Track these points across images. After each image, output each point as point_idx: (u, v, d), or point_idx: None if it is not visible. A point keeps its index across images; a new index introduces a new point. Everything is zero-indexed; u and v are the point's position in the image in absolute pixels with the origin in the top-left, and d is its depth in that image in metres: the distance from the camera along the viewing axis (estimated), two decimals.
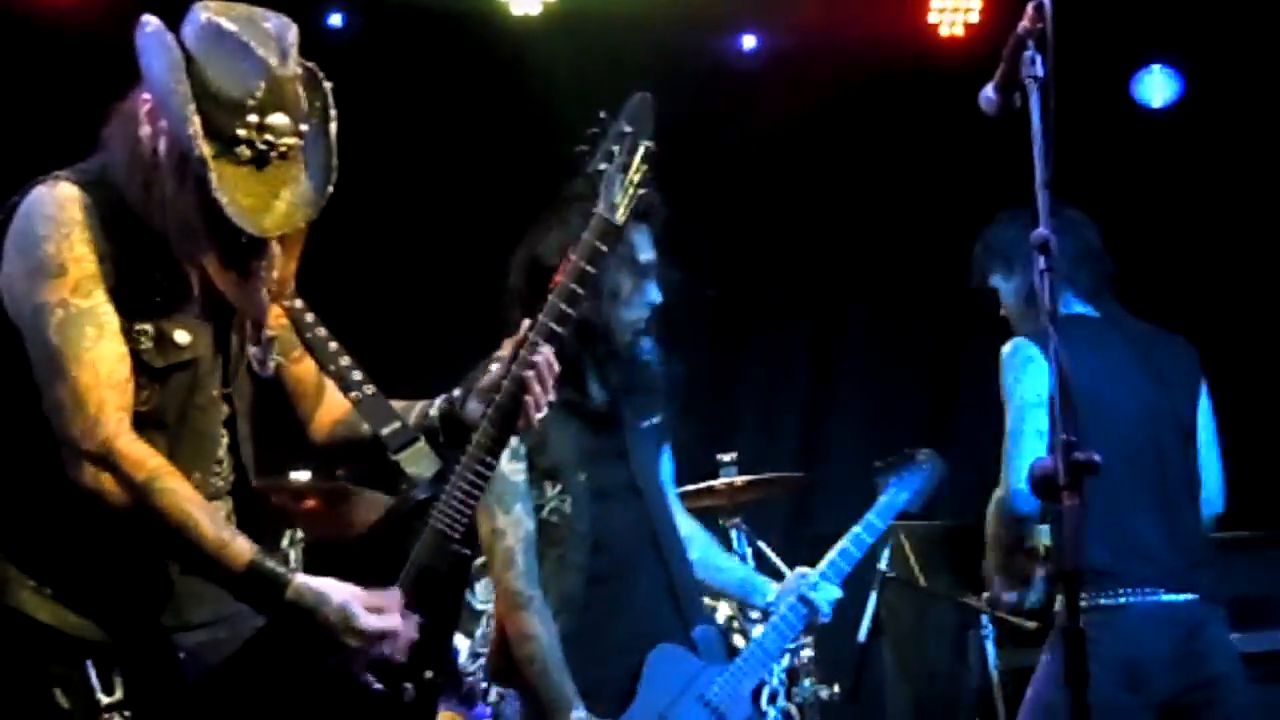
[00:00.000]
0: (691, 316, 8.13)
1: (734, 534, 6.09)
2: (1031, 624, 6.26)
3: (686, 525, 4.47)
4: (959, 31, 8.38)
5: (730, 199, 8.30)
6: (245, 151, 2.95)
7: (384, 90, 7.35)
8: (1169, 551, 4.38)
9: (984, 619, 6.64)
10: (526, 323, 3.34)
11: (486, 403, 3.31)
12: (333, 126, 3.10)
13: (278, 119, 2.97)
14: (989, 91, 3.17)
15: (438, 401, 3.41)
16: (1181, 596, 4.34)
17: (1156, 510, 4.41)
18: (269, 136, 2.97)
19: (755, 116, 8.23)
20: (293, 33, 3.04)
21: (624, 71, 7.45)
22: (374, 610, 3.04)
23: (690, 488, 6.07)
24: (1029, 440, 4.37)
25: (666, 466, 4.46)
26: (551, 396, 3.30)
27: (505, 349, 3.36)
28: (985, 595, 5.55)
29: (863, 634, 6.45)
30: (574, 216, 3.96)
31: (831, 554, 4.89)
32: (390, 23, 7.74)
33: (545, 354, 3.29)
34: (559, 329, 3.33)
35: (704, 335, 8.26)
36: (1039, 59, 2.99)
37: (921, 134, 8.38)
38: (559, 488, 4.07)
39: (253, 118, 2.95)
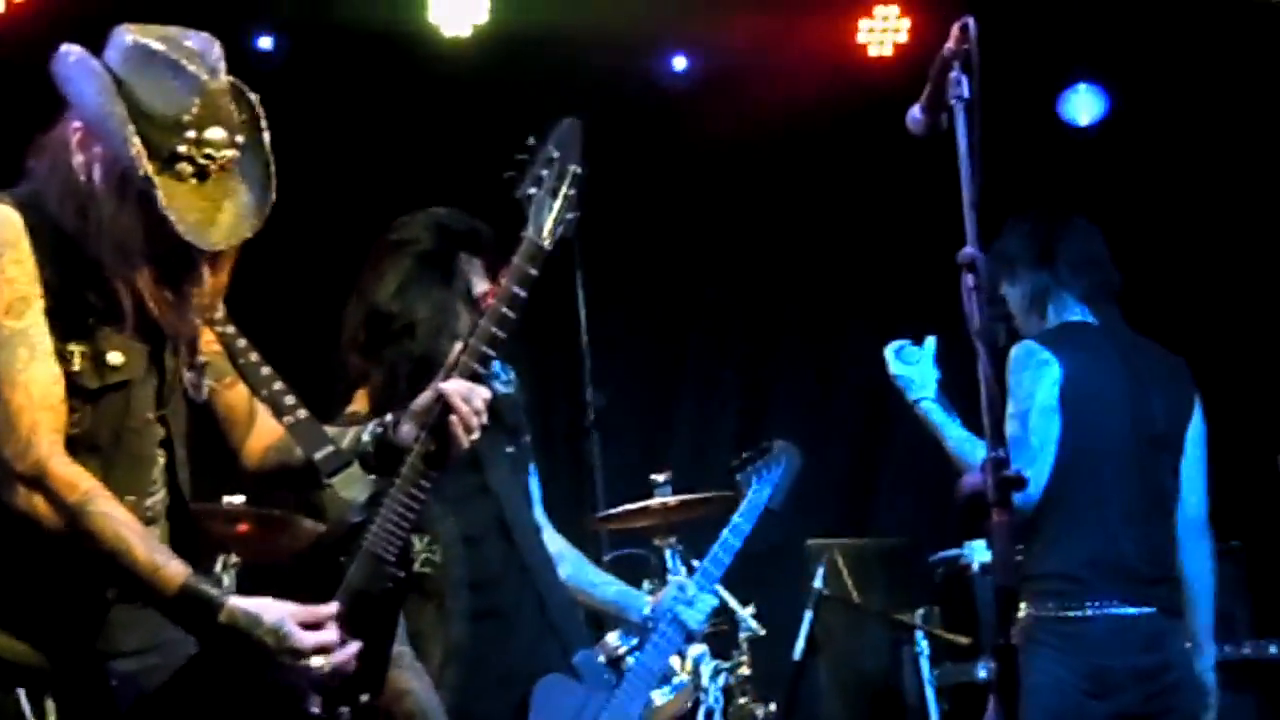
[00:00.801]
0: (626, 336, 8.21)
1: (668, 553, 6.08)
2: (965, 639, 6.33)
3: (556, 543, 4.50)
4: (888, 52, 8.47)
5: (661, 219, 8.33)
6: (186, 168, 2.96)
7: (315, 113, 7.33)
8: (1137, 564, 4.45)
9: (918, 635, 6.69)
10: (458, 345, 3.35)
11: (420, 426, 3.30)
12: (265, 136, 3.10)
13: (215, 133, 2.97)
14: (916, 112, 3.20)
15: (370, 426, 3.40)
16: (1141, 610, 4.41)
17: (1131, 521, 4.48)
18: (209, 150, 2.97)
19: (686, 137, 8.27)
20: (217, 47, 3.05)
21: (556, 92, 7.49)
22: (309, 626, 3.03)
23: (624, 508, 6.09)
24: (1050, 446, 4.41)
25: (533, 488, 4.47)
26: (483, 419, 3.30)
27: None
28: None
29: (798, 652, 6.50)
30: (406, 259, 4.05)
31: (703, 562, 5.03)
32: (320, 45, 7.73)
33: (463, 382, 3.29)
34: (490, 352, 3.34)
35: (638, 356, 8.28)
36: (965, 80, 3.02)
37: (851, 154, 8.44)
38: (427, 539, 4.07)
39: (191, 133, 2.95)
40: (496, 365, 4.15)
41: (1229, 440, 6.78)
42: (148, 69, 2.96)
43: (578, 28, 7.78)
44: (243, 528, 5.37)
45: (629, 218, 7.92)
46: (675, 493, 6.13)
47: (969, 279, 2.89)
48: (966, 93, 3.01)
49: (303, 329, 7.01)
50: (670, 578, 5.98)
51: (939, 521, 7.66)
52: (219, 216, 2.99)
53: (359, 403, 4.08)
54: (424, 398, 3.33)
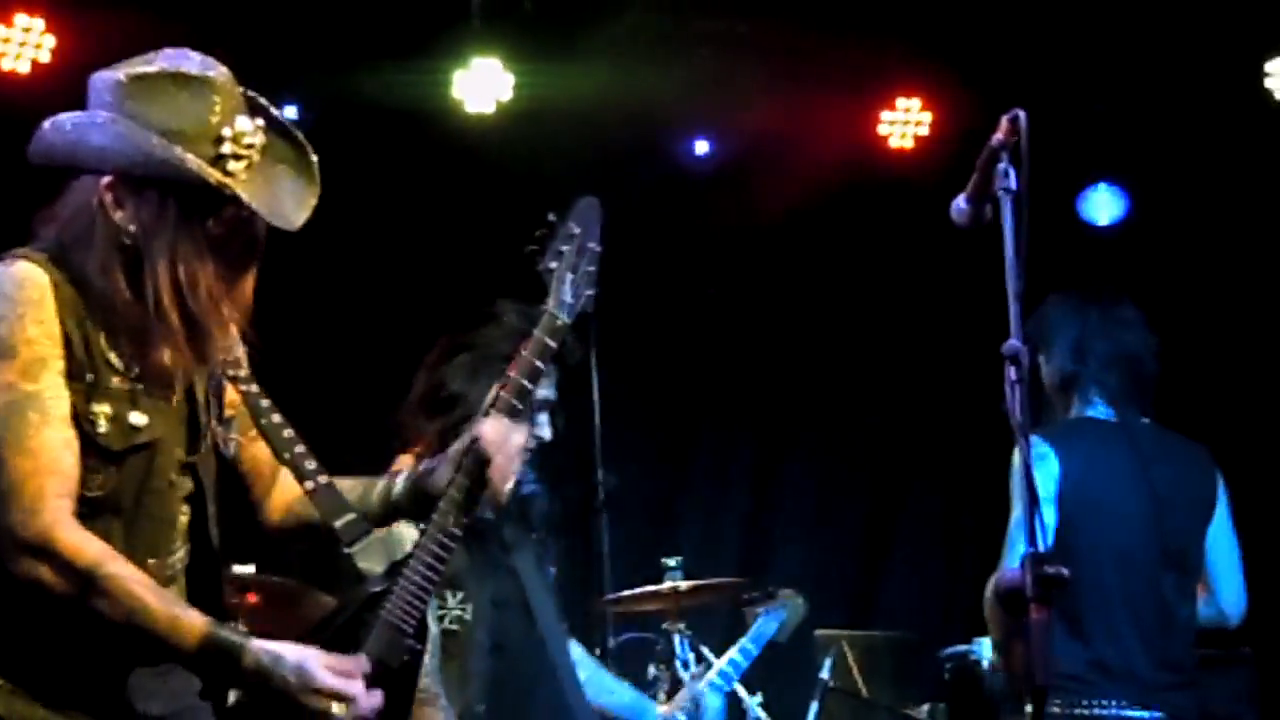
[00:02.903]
0: (641, 422, 8.18)
1: (676, 639, 6.03)
2: None
3: (573, 649, 4.53)
4: (908, 144, 8.50)
5: (678, 301, 8.33)
6: (235, 165, 2.95)
7: (337, 184, 7.31)
8: (1145, 668, 4.34)
9: None
10: (490, 397, 3.36)
11: (455, 469, 3.27)
12: (274, 111, 3.08)
13: (243, 122, 2.97)
14: (960, 203, 3.18)
15: (404, 474, 3.35)
16: (1151, 714, 4.31)
17: (1138, 624, 4.37)
18: (246, 139, 2.96)
19: (706, 221, 8.29)
20: (190, 52, 3.03)
21: (578, 171, 7.51)
22: (333, 671, 2.98)
23: (635, 590, 6.04)
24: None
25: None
26: (519, 466, 3.29)
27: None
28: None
29: None
30: (480, 355, 4.12)
31: (711, 674, 5.35)
32: (344, 117, 7.73)
33: (496, 424, 3.27)
34: (510, 423, 3.32)
35: (650, 439, 8.25)
36: (1013, 172, 3.01)
37: (869, 244, 8.45)
38: (460, 595, 4.08)
39: (226, 131, 2.94)
40: (529, 473, 4.20)
41: (1242, 543, 6.77)
42: (153, 93, 2.93)
43: (602, 108, 7.81)
44: (251, 598, 5.30)
45: (645, 298, 7.91)
46: (685, 578, 6.08)
47: (1011, 372, 2.86)
48: (1015, 184, 2.99)
49: (321, 393, 7.05)
50: (678, 663, 5.94)
51: (947, 616, 7.61)
52: (282, 196, 3.01)
53: (402, 465, 4.07)
54: (458, 445, 3.30)
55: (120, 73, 2.96)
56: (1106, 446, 4.47)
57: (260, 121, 3.02)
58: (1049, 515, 4.31)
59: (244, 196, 2.91)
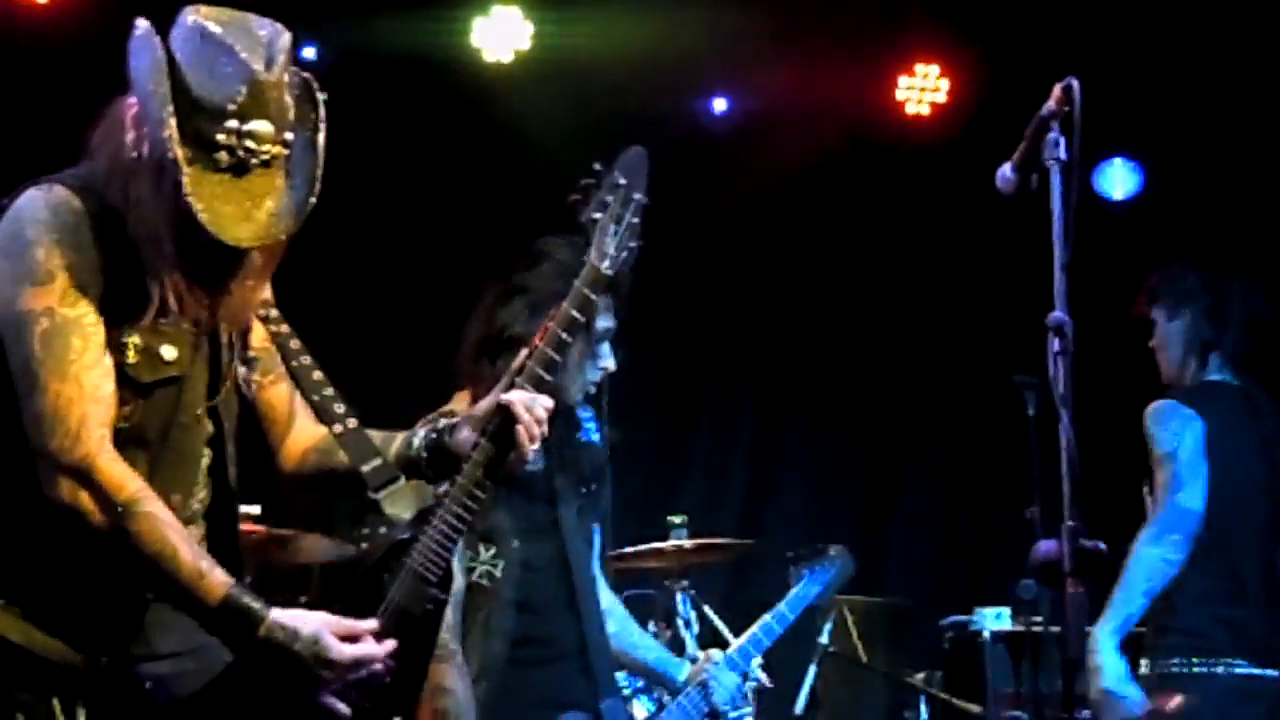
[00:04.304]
0: (647, 378, 8.16)
1: (679, 596, 6.02)
2: (975, 707, 6.27)
3: (606, 599, 4.47)
4: (925, 111, 8.48)
5: (687, 259, 8.29)
6: (224, 158, 2.85)
7: (353, 129, 7.27)
8: (1265, 627, 4.46)
9: (921, 700, 6.63)
10: (523, 353, 3.30)
11: (480, 432, 3.24)
12: (321, 137, 2.97)
13: (260, 125, 2.85)
14: (1006, 171, 3.16)
15: (421, 432, 3.31)
16: (1268, 671, 4.40)
17: (1260, 585, 4.50)
18: (250, 143, 2.86)
19: (720, 179, 8.26)
20: (284, 39, 2.93)
21: (595, 121, 7.48)
22: (347, 638, 2.96)
23: (640, 548, 6.03)
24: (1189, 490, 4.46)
25: (596, 539, 4.44)
26: (544, 430, 3.24)
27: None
28: None
29: (799, 707, 6.42)
30: (537, 291, 3.98)
31: (742, 639, 5.08)
32: (363, 61, 7.69)
33: (528, 390, 3.24)
34: (548, 376, 3.28)
35: (655, 397, 8.22)
36: (1063, 141, 2.98)
37: (881, 208, 8.43)
38: (493, 551, 4.05)
39: (233, 123, 2.84)
40: (587, 417, 4.13)
41: None
42: (201, 51, 2.86)
43: (620, 61, 7.77)
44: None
45: (655, 255, 7.87)
46: (689, 536, 6.07)
47: (1055, 343, 2.84)
48: (1065, 154, 2.97)
49: (339, 340, 7.02)
50: (678, 621, 5.94)
51: (947, 584, 7.62)
52: (255, 213, 2.88)
53: (459, 403, 4.02)
54: (484, 405, 3.27)
55: (197, 18, 2.90)
56: (1235, 412, 4.64)
57: (290, 136, 2.90)
58: (1203, 467, 4.48)
59: (185, 183, 2.80)
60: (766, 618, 5.15)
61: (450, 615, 3.88)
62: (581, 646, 4.15)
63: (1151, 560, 4.43)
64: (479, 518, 3.27)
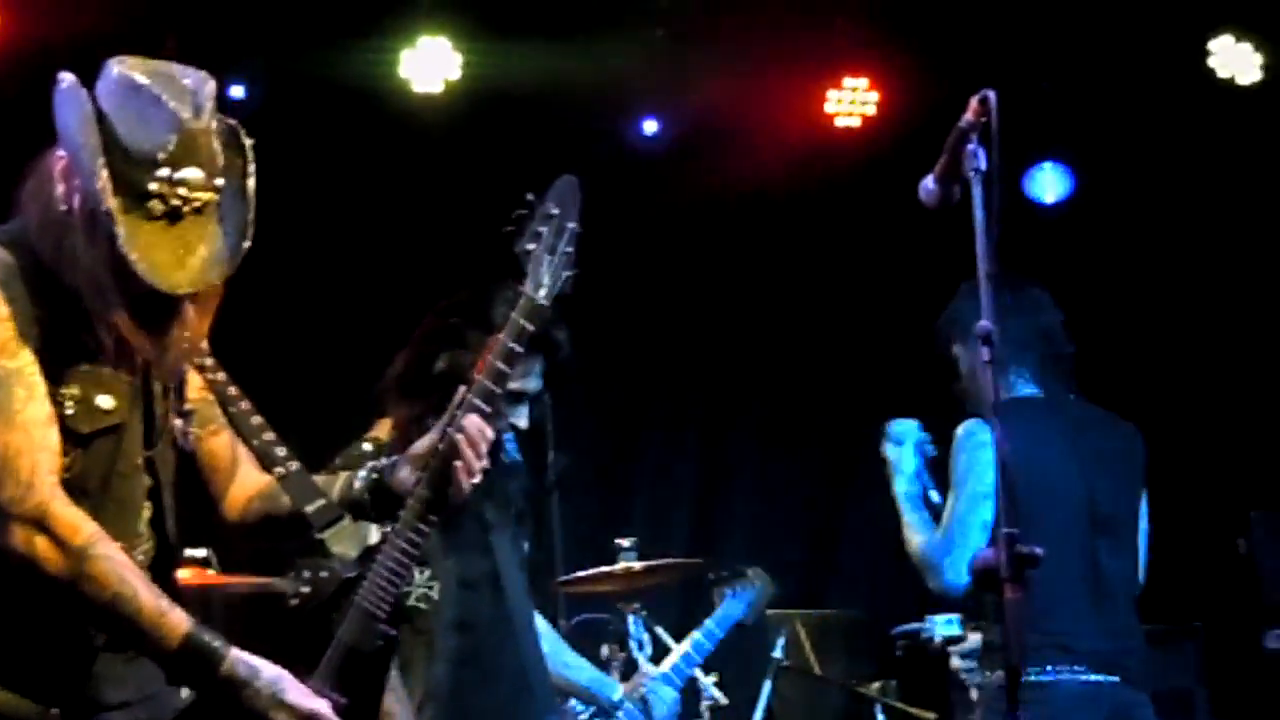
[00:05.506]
0: (590, 401, 8.18)
1: (630, 619, 6.02)
2: (930, 715, 6.29)
3: (539, 623, 4.50)
4: (855, 124, 8.50)
5: (626, 282, 8.31)
6: (157, 206, 2.86)
7: (285, 163, 7.28)
8: (1094, 636, 4.37)
9: (877, 709, 6.66)
10: (461, 390, 3.30)
11: (420, 470, 3.25)
12: (251, 182, 3.00)
13: (191, 173, 2.87)
14: (929, 183, 3.19)
15: (362, 473, 3.34)
16: (1105, 677, 4.34)
17: (1083, 598, 4.40)
18: (182, 191, 2.87)
19: (655, 200, 8.28)
20: (209, 87, 2.95)
21: (527, 148, 7.50)
22: (304, 693, 2.97)
23: (589, 571, 6.02)
24: (974, 532, 4.35)
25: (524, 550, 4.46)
26: (485, 463, 3.25)
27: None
28: None
29: None
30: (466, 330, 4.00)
31: (673, 658, 5.27)
32: (292, 96, 7.69)
33: (475, 420, 3.25)
34: (487, 409, 3.29)
35: (600, 419, 8.24)
36: (982, 152, 3.01)
37: (815, 224, 8.48)
38: (428, 574, 4.05)
39: (164, 171, 2.85)
40: (509, 436, 4.14)
41: (1190, 520, 6.83)
42: (129, 102, 2.88)
43: (549, 88, 7.78)
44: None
45: (593, 278, 7.89)
46: (638, 558, 6.07)
47: (985, 352, 2.87)
48: (984, 165, 3.00)
49: (274, 375, 7.01)
50: (632, 644, 5.93)
51: (898, 594, 7.64)
52: (188, 260, 2.89)
53: (381, 430, 4.04)
54: (423, 443, 3.28)
55: (122, 69, 2.92)
56: (1041, 422, 4.50)
57: (220, 182, 2.92)
58: (986, 508, 4.35)
59: (121, 234, 2.81)
60: (697, 634, 5.40)
61: None
62: (524, 673, 4.17)
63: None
64: (420, 556, 3.28)
